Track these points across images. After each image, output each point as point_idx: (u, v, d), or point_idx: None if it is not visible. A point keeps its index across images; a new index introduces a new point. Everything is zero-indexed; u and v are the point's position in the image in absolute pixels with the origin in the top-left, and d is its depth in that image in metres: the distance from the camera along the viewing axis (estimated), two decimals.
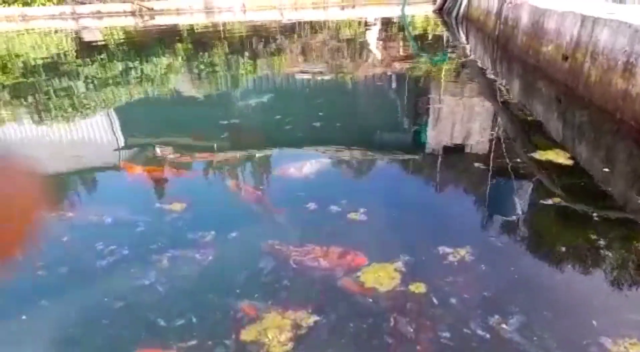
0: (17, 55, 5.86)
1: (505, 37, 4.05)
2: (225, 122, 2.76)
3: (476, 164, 1.95)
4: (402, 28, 6.76)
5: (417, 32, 6.15)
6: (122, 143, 2.67)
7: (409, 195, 1.81)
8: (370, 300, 1.14)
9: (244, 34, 7.22)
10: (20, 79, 4.37)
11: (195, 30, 7.89)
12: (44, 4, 10.37)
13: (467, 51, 4.53)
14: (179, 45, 6.22)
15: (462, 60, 4.19)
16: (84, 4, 10.23)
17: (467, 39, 5.31)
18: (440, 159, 2.14)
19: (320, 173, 2.02)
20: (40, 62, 5.31)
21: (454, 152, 2.22)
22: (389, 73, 3.98)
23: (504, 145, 2.13)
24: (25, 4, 10.29)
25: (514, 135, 2.35)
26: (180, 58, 5.25)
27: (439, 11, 6.85)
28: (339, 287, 1.21)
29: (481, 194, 1.75)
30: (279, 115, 2.89)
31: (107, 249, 1.43)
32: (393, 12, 8.30)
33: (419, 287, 1.17)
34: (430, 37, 5.76)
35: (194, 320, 1.11)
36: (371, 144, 2.42)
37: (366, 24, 7.55)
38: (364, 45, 5.58)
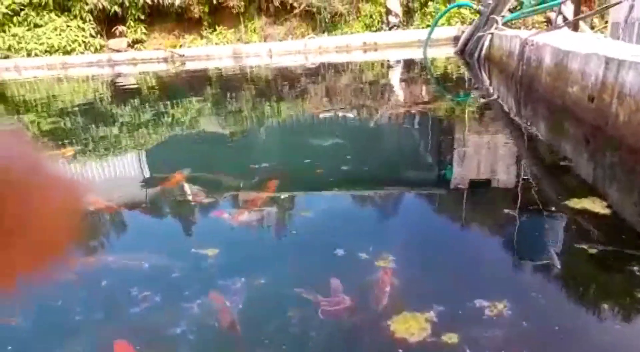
0: (56, 100, 6.20)
1: (529, 78, 4.07)
2: (251, 161, 2.82)
3: (505, 208, 1.92)
4: (424, 69, 6.89)
5: (439, 73, 6.24)
6: (150, 181, 2.75)
7: (437, 238, 1.79)
8: (401, 351, 1.12)
9: (270, 77, 7.48)
10: (58, 121, 4.63)
11: (223, 75, 8.22)
12: (82, 53, 11.06)
13: (490, 91, 4.56)
14: (208, 88, 6.49)
15: (485, 100, 4.21)
16: (120, 51, 10.89)
17: (489, 79, 5.35)
18: (467, 200, 2.11)
19: (347, 214, 2.03)
20: (76, 106, 5.61)
21: (482, 192, 2.19)
22: (412, 112, 4.02)
23: (533, 187, 2.10)
24: (65, 52, 10.99)
25: (542, 177, 2.32)
26: (208, 101, 5.45)
27: (461, 53, 6.96)
28: (369, 338, 1.19)
29: (512, 238, 1.71)
30: (304, 155, 2.95)
31: (125, 291, 1.44)
32: (414, 54, 8.48)
33: (451, 338, 1.14)
34: (452, 77, 5.84)
35: None
36: (395, 183, 2.42)
37: (388, 65, 7.73)
38: (386, 86, 5.68)
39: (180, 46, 11.11)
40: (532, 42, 4.06)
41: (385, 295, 1.33)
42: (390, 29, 10.57)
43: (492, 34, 5.82)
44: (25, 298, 1.51)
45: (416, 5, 10.63)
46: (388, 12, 10.66)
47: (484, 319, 1.20)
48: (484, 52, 5.93)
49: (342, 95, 5.23)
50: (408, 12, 10.85)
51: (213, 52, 10.45)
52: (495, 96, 4.34)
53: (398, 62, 8.00)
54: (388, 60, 8.21)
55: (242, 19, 11.59)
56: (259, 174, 2.63)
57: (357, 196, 2.25)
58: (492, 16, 6.04)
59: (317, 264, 1.60)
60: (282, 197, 2.26)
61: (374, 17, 10.76)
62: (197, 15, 11.36)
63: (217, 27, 11.51)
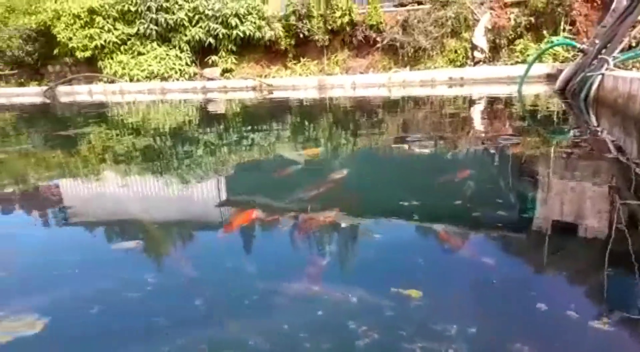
0: (151, 122, 6.70)
1: None
2: (322, 188, 2.80)
3: (596, 259, 1.70)
4: (511, 104, 6.65)
5: (534, 110, 5.94)
6: (225, 202, 2.81)
7: (513, 282, 1.62)
8: None
9: (350, 108, 7.54)
10: (150, 142, 4.96)
11: (305, 104, 8.46)
12: (177, 79, 11.91)
13: (597, 133, 4.27)
14: (288, 116, 6.69)
15: (587, 139, 3.89)
16: (213, 79, 11.64)
17: (597, 121, 5.07)
18: (549, 246, 1.90)
19: (413, 248, 1.93)
20: (168, 128, 6.01)
21: (568, 239, 1.97)
22: (493, 147, 3.82)
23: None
24: (163, 78, 11.90)
25: None
26: (287, 127, 5.60)
27: (561, 91, 6.68)
28: None
29: (600, 296, 1.49)
30: (375, 184, 2.90)
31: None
32: (504, 90, 8.22)
33: None
34: (550, 115, 5.55)
35: None
36: (469, 219, 2.24)
37: (472, 100, 7.58)
38: (467, 120, 5.49)
39: (266, 76, 11.65)
40: None
41: None
42: (475, 64, 10.43)
43: (602, 74, 5.55)
44: None
45: (504, 41, 10.45)
46: (474, 47, 10.54)
47: None
48: (592, 93, 5.65)
49: (420, 128, 5.12)
50: (494, 48, 10.67)
51: (299, 82, 10.86)
52: (602, 137, 4.07)
53: (486, 97, 7.79)
54: (474, 95, 7.99)
55: (325, 52, 11.99)
56: (328, 200, 2.60)
57: (425, 229, 2.12)
58: (601, 56, 5.78)
59: (370, 301, 1.51)
60: (347, 224, 2.19)
61: (458, 52, 10.70)
62: (283, 48, 11.93)
63: (301, 58, 11.99)
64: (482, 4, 10.71)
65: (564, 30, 9.84)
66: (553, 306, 1.44)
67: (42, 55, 13.34)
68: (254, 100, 9.23)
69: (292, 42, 11.83)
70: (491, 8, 10.62)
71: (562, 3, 9.69)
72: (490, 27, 10.38)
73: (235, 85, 11.22)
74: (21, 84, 13.74)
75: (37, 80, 13.70)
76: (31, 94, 12.82)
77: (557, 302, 1.46)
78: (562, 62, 9.06)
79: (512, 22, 10.31)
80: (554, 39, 9.38)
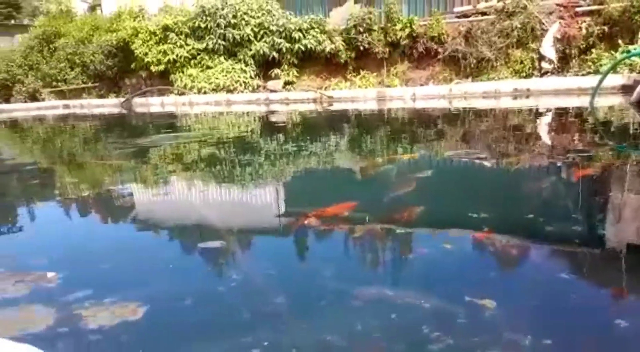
0: (216, 132, 7.08)
1: None
2: (377, 198, 2.86)
3: None
4: (582, 117, 6.35)
5: (607, 123, 5.64)
6: (282, 210, 2.94)
7: (589, 298, 1.59)
8: None
9: (409, 119, 7.58)
10: (214, 150, 5.24)
11: (363, 115, 8.58)
12: (242, 92, 12.45)
13: None
14: (345, 127, 6.83)
15: None
16: (275, 92, 12.06)
17: None
18: (626, 262, 1.83)
19: (488, 258, 1.94)
20: (231, 137, 6.31)
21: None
22: (560, 162, 3.69)
23: None
24: (229, 91, 12.49)
25: None
26: (344, 138, 5.71)
27: (638, 103, 6.31)
28: None
29: None
30: (432, 196, 2.90)
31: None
32: (572, 102, 7.88)
33: None
34: (626, 130, 5.27)
35: None
36: (543, 233, 2.19)
37: (538, 113, 7.31)
38: (532, 134, 5.32)
39: (326, 88, 11.88)
40: None
41: None
42: (542, 75, 10.05)
43: None
44: None
45: (574, 51, 10.00)
46: (541, 58, 10.16)
47: None
48: None
49: (480, 140, 5.03)
50: (564, 59, 10.22)
51: (359, 94, 10.98)
52: None
53: (555, 109, 7.51)
54: (541, 108, 7.73)
55: (385, 64, 12.04)
56: (378, 206, 2.66)
57: (497, 241, 2.10)
58: None
59: (444, 308, 1.52)
60: (420, 233, 2.23)
61: (524, 63, 10.35)
62: (343, 60, 12.13)
63: (360, 71, 12.12)
64: (550, 13, 10.32)
65: None
66: (632, 323, 1.42)
67: (120, 69, 14.44)
68: (315, 112, 9.47)
69: (352, 54, 12.00)
70: (561, 17, 10.21)
71: None
72: (559, 36, 9.98)
73: (297, 97, 11.55)
74: (101, 96, 14.92)
75: (115, 92, 14.83)
76: (110, 105, 13.90)
77: (636, 320, 1.44)
78: (639, 72, 8.53)
79: (584, 32, 9.84)
80: (631, 48, 8.85)
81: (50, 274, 1.91)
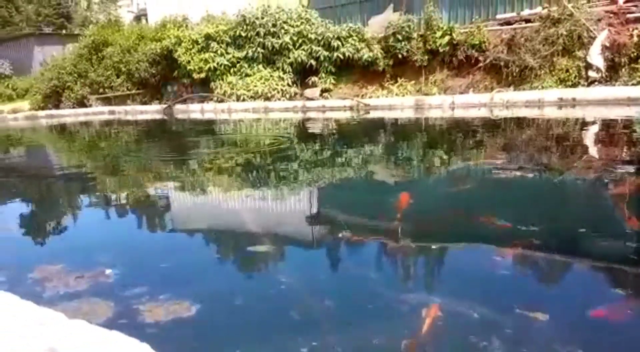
0: (253, 138, 7.22)
1: None
2: (411, 209, 2.79)
3: None
4: (632, 128, 6.04)
5: None
6: (316, 217, 2.95)
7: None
8: None
9: (447, 128, 7.46)
10: (250, 156, 5.34)
11: (399, 123, 8.54)
12: (279, 99, 12.65)
13: None
14: (381, 135, 6.83)
15: None
16: (313, 99, 12.19)
17: None
18: None
19: (539, 271, 1.89)
20: (267, 144, 6.40)
21: None
22: (607, 175, 3.54)
23: None
24: (266, 98, 12.71)
25: None
26: (379, 146, 5.69)
27: None
28: None
29: None
30: (468, 207, 2.82)
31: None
32: (621, 112, 7.55)
33: None
34: None
35: None
36: (597, 247, 2.13)
37: (585, 123, 7.05)
38: (577, 145, 5.12)
39: (363, 96, 11.89)
40: None
41: None
42: (589, 84, 9.70)
43: None
44: None
45: (624, 60, 9.60)
46: (588, 66, 9.80)
47: None
48: None
49: (521, 150, 4.90)
50: (613, 67, 9.83)
51: (396, 102, 10.92)
52: None
53: (602, 120, 7.22)
54: (588, 118, 7.47)
55: (423, 72, 11.95)
56: (412, 218, 2.62)
57: (549, 253, 2.06)
58: None
59: (493, 319, 1.49)
60: (466, 243, 2.19)
61: (570, 71, 10.02)
62: (381, 68, 12.12)
63: (398, 78, 12.07)
64: (599, 20, 9.97)
65: None
66: None
67: (163, 76, 14.99)
68: (353, 120, 9.49)
69: (390, 62, 11.97)
70: (610, 25, 9.84)
71: None
72: (608, 44, 9.61)
73: (334, 104, 11.61)
74: (144, 102, 15.52)
75: (158, 98, 15.39)
76: (152, 111, 14.42)
77: None
78: None
79: (635, 39, 9.45)
80: None
81: (108, 271, 2.01)
